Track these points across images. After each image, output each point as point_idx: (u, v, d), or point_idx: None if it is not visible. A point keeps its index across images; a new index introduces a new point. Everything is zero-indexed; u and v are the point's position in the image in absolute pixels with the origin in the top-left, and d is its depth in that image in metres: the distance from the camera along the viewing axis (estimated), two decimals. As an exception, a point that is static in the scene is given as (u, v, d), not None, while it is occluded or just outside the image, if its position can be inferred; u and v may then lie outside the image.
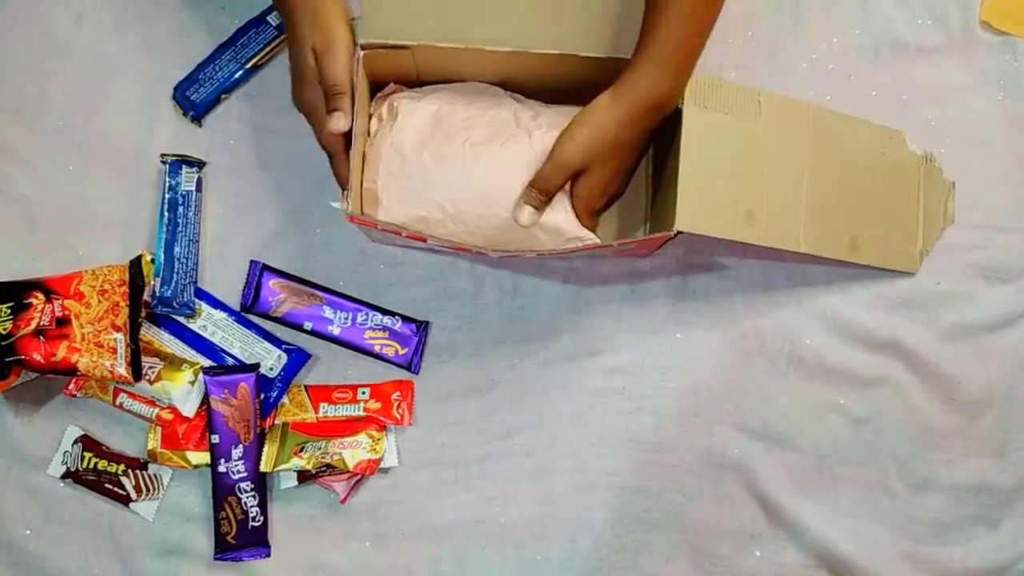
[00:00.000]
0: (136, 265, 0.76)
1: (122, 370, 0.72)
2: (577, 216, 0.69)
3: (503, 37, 0.66)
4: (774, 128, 0.69)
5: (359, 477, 0.76)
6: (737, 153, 0.68)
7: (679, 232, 0.64)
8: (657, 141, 0.75)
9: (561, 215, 0.68)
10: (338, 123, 0.66)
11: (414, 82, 0.73)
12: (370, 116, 0.72)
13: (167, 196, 0.76)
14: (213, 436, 0.74)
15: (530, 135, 0.68)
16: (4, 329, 0.71)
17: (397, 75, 0.72)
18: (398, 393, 0.77)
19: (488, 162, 0.68)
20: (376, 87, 0.73)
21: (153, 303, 0.75)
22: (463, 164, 0.68)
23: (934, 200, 0.79)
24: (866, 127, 0.76)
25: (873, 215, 0.76)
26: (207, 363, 0.76)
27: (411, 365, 0.77)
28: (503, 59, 0.67)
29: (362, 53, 0.66)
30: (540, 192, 0.66)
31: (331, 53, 0.66)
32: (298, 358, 0.77)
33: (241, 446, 0.74)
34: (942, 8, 0.83)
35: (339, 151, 0.68)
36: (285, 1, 0.69)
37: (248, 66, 0.80)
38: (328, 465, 0.74)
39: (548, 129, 0.69)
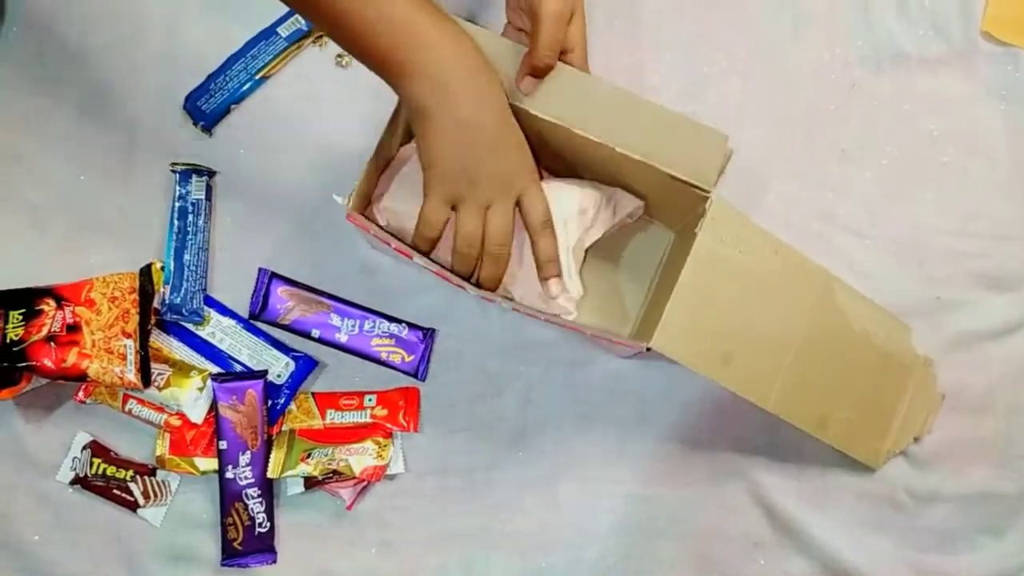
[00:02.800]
0: (146, 272, 0.76)
1: (132, 376, 0.72)
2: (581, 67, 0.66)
3: (556, 110, 0.65)
4: (781, 282, 0.67)
5: (365, 484, 0.76)
6: (737, 294, 0.66)
7: (649, 348, 0.63)
8: (671, 257, 0.75)
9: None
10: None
11: None
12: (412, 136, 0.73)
13: (177, 204, 0.77)
14: (221, 442, 0.75)
15: (547, 183, 0.70)
16: (15, 335, 0.71)
17: None
18: (404, 400, 0.77)
19: None
20: None
21: (163, 310, 0.76)
22: None
23: (918, 407, 0.75)
24: (875, 312, 0.73)
25: (852, 400, 0.73)
26: (216, 370, 0.77)
27: (418, 372, 0.78)
28: (547, 127, 0.66)
29: None
30: (545, 54, 0.62)
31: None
32: (306, 365, 0.77)
33: (248, 452, 0.75)
34: (944, 19, 0.84)
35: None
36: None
37: (258, 76, 0.81)
38: (335, 471, 0.74)
39: (560, 184, 0.71)
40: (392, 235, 0.68)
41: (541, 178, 0.69)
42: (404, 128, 0.71)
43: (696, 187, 0.65)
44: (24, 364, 0.71)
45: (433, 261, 0.67)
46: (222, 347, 0.77)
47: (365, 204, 0.70)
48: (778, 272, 0.67)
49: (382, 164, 0.70)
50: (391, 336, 0.78)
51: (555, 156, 0.71)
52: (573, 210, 0.70)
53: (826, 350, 0.70)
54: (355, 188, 0.65)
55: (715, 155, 0.64)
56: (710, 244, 0.64)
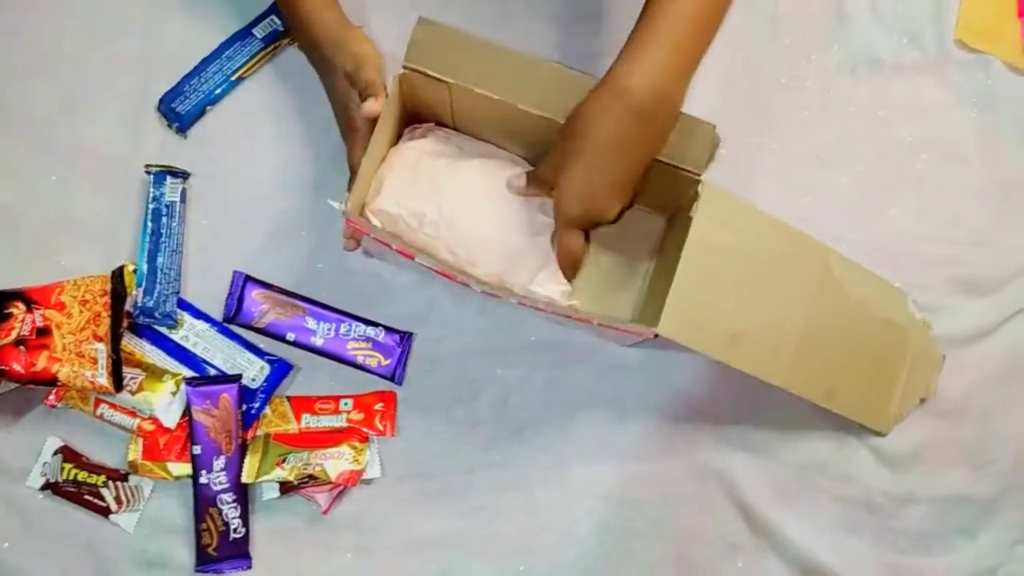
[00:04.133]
0: (118, 275, 0.75)
1: (103, 380, 0.71)
2: (556, 223, 0.68)
3: (539, 104, 0.65)
4: (779, 259, 0.68)
5: (341, 488, 0.75)
6: (737, 274, 0.66)
7: (657, 335, 0.63)
8: (666, 243, 0.75)
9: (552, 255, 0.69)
10: (373, 106, 0.67)
11: (449, 124, 0.74)
12: (399, 136, 0.74)
13: (151, 207, 0.76)
14: (195, 447, 0.74)
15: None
16: (-16, 339, 0.70)
17: (434, 109, 0.72)
18: (381, 404, 0.77)
19: (495, 180, 0.70)
20: (413, 118, 0.74)
21: (135, 313, 0.75)
22: (471, 176, 0.70)
23: (921, 369, 0.77)
24: (873, 280, 0.75)
25: (857, 368, 0.74)
26: (189, 374, 0.76)
27: (394, 376, 0.77)
28: (535, 123, 0.66)
29: (402, 71, 0.66)
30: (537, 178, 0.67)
31: (363, 67, 0.70)
32: (280, 369, 0.77)
33: (223, 457, 0.74)
34: (918, 26, 0.85)
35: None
36: (312, 39, 0.75)
37: (233, 78, 0.80)
38: (310, 476, 0.73)
39: None
40: (391, 236, 0.67)
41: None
42: (394, 128, 0.71)
43: (686, 171, 0.66)
44: (-7, 368, 0.70)
45: (434, 259, 0.67)
46: (196, 351, 0.77)
47: (362, 207, 0.70)
48: (775, 248, 0.68)
49: (375, 166, 0.70)
50: (367, 339, 0.77)
51: (539, 149, 0.71)
52: None
53: (828, 321, 0.71)
54: (353, 190, 0.65)
55: (704, 142, 0.65)
56: (706, 226, 0.65)
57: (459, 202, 0.69)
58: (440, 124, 0.74)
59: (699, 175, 0.66)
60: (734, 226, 0.66)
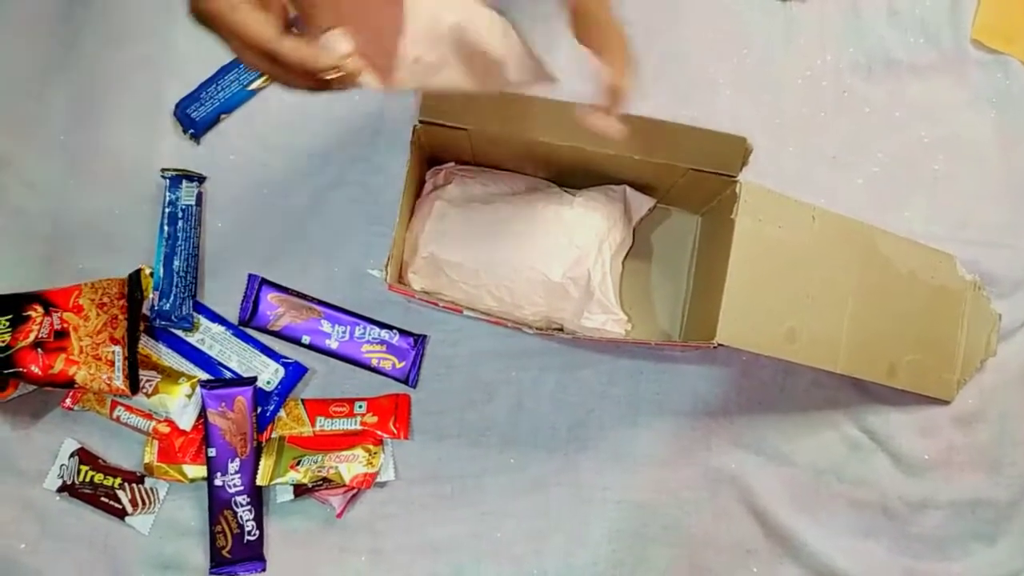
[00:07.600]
0: (135, 278, 0.76)
1: (120, 383, 0.72)
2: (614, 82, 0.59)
3: (558, 135, 0.66)
4: (825, 246, 0.69)
5: (355, 491, 0.76)
6: (785, 269, 0.67)
7: (719, 345, 0.64)
8: (705, 243, 0.76)
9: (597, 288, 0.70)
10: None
11: (469, 161, 0.75)
12: (423, 182, 0.75)
13: (167, 210, 0.77)
14: (210, 449, 0.74)
15: (571, 205, 0.72)
16: (3, 341, 0.71)
17: (454, 151, 0.73)
18: (395, 407, 0.77)
19: (526, 219, 0.71)
20: (433, 160, 0.76)
21: (152, 316, 0.76)
22: (503, 218, 0.71)
23: (977, 330, 0.77)
24: (917, 250, 0.75)
25: (914, 340, 0.74)
26: (205, 376, 0.77)
27: (408, 378, 0.77)
28: (557, 150, 0.67)
29: (418, 125, 0.67)
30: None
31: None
32: (295, 372, 0.77)
33: (237, 460, 0.74)
34: (934, 27, 0.84)
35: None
36: None
37: (250, 88, 0.80)
38: (324, 479, 0.73)
39: (586, 201, 0.72)
40: (431, 295, 0.70)
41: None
42: (416, 181, 0.72)
43: (721, 174, 0.66)
44: (11, 371, 0.70)
45: (481, 308, 0.69)
46: (211, 353, 0.77)
47: (399, 272, 0.72)
48: (819, 237, 0.68)
49: (405, 224, 0.71)
50: (382, 342, 0.77)
51: (571, 172, 0.73)
52: (604, 228, 0.71)
53: (880, 300, 0.71)
54: (389, 256, 0.66)
55: (736, 150, 0.66)
56: (750, 227, 0.65)
57: (493, 246, 0.70)
58: (460, 160, 0.75)
59: (735, 177, 0.66)
60: (777, 221, 0.66)
